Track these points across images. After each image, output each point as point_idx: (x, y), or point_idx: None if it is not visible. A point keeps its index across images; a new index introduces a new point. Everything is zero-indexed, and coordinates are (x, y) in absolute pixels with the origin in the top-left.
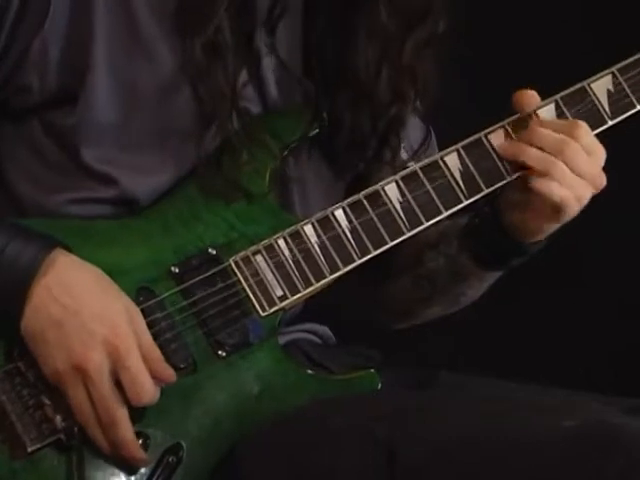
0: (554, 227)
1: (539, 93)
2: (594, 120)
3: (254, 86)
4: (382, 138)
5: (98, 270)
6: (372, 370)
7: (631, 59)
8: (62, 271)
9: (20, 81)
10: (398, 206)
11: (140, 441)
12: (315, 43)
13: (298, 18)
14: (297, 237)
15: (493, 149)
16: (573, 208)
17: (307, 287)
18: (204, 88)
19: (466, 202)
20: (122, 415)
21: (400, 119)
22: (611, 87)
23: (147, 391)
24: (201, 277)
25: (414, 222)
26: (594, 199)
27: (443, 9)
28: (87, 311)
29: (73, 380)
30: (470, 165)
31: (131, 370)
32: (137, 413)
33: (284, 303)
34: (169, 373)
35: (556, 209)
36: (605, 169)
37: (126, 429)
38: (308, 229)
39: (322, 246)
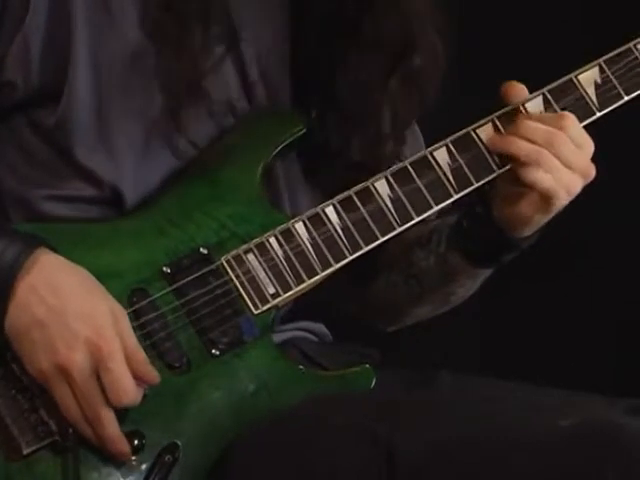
0: (545, 219)
1: (529, 88)
2: (582, 112)
3: (240, 86)
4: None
5: (84, 271)
6: (367, 365)
7: (617, 50)
8: (48, 271)
9: (4, 77)
10: (388, 202)
11: (136, 441)
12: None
13: (286, 43)
14: (288, 235)
15: (482, 143)
16: (562, 198)
17: (299, 284)
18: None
19: (456, 196)
20: (107, 413)
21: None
22: (598, 79)
23: (128, 393)
24: (193, 277)
25: (404, 217)
26: (587, 191)
27: (427, 47)
28: (71, 312)
29: (57, 380)
30: (459, 159)
31: (113, 372)
32: (132, 412)
33: (276, 300)
34: (153, 375)
35: (545, 199)
36: (596, 160)
37: (112, 426)
38: (299, 227)
39: (313, 243)
